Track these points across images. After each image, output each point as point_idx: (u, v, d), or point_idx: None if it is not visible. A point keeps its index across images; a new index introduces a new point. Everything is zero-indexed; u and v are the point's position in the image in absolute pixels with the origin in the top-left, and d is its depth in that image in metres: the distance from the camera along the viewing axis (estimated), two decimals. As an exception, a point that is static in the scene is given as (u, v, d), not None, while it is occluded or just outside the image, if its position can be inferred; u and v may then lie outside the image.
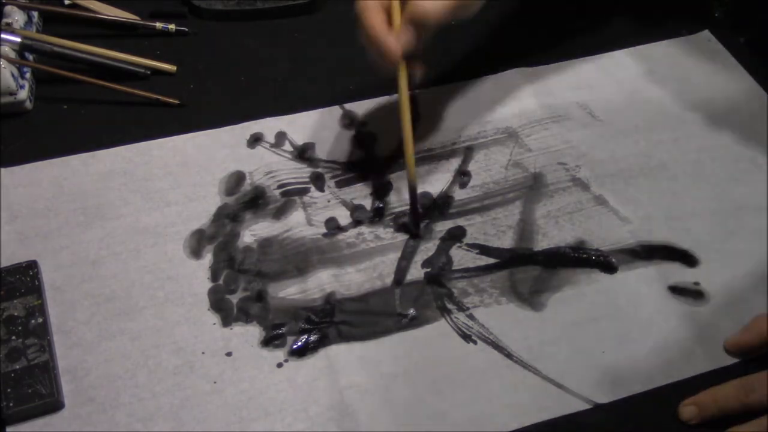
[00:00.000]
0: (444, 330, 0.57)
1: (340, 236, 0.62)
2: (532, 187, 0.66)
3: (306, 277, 0.59)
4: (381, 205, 0.64)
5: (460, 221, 0.63)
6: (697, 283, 0.60)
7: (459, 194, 0.65)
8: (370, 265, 0.60)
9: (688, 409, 0.52)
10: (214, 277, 0.59)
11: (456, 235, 0.62)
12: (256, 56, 0.76)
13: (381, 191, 0.65)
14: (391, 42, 0.56)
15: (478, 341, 0.56)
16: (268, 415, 0.52)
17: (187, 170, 0.66)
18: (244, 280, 0.59)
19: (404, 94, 0.59)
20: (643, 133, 0.70)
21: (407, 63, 0.58)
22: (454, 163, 0.68)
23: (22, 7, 0.73)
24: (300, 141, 0.68)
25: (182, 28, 0.78)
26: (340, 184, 0.66)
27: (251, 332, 0.56)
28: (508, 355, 0.55)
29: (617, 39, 0.79)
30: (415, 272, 0.60)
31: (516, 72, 0.75)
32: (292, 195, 0.65)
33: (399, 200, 0.65)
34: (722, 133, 0.70)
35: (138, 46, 0.75)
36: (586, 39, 0.78)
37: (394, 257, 0.61)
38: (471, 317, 0.57)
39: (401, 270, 0.60)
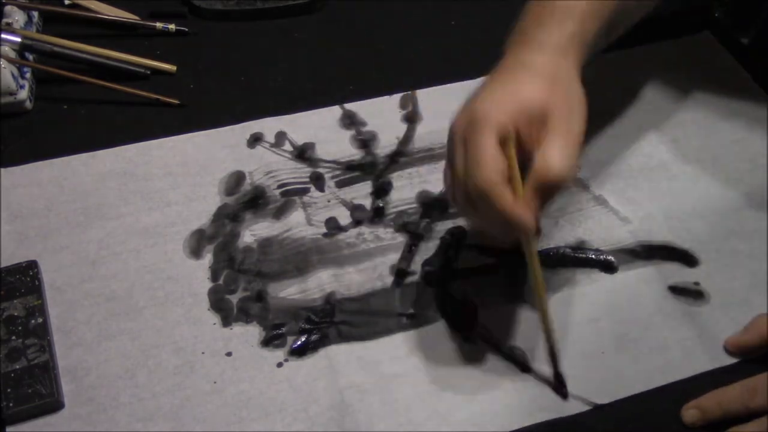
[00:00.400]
0: (444, 330, 0.57)
1: (340, 236, 0.62)
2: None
3: (306, 277, 0.59)
4: (381, 205, 0.64)
5: (460, 221, 0.63)
6: (697, 283, 0.60)
7: (459, 194, 0.65)
8: (370, 265, 0.60)
9: (690, 413, 0.52)
10: (214, 277, 0.59)
11: (456, 235, 0.62)
12: (256, 56, 0.76)
13: (381, 191, 0.65)
14: (527, 217, 0.47)
15: (478, 341, 0.56)
16: (268, 415, 0.52)
17: (187, 170, 0.66)
18: (244, 280, 0.59)
19: (537, 268, 0.51)
20: (643, 133, 0.70)
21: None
22: (454, 163, 0.67)
23: (22, 7, 0.73)
24: (300, 141, 0.68)
25: (182, 28, 0.78)
26: (340, 184, 0.66)
27: (251, 332, 0.56)
28: (508, 355, 0.55)
29: (618, 39, 0.78)
30: (415, 272, 0.60)
31: (516, 72, 0.75)
32: (292, 195, 0.65)
33: (399, 200, 0.65)
34: (722, 132, 0.70)
35: (138, 46, 0.75)
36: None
37: (394, 257, 0.61)
38: (470, 317, 0.57)
39: (401, 270, 0.60)
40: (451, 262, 0.61)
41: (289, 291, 0.59)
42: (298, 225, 0.63)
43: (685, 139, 0.70)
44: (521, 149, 0.48)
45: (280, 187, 0.65)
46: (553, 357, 0.53)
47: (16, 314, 0.55)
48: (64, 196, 0.63)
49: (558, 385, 0.54)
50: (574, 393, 0.53)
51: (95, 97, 0.70)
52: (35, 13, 0.76)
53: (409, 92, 0.73)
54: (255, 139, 0.68)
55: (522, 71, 0.51)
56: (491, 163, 0.47)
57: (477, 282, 0.59)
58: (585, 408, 0.53)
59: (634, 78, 0.75)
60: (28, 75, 0.70)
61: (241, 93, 0.73)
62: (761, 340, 0.55)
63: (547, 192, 0.48)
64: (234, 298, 0.58)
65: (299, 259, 0.60)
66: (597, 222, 0.64)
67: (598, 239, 0.62)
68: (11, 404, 0.50)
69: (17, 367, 0.52)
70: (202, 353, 0.55)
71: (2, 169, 0.64)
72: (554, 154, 0.47)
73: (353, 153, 0.68)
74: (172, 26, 0.77)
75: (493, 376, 0.54)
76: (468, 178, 0.48)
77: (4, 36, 0.68)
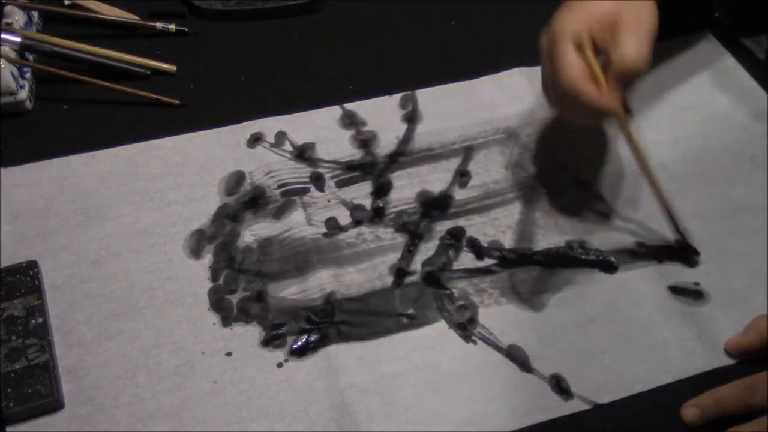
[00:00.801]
0: (444, 330, 0.57)
1: (340, 236, 0.62)
2: (532, 187, 0.66)
3: (306, 277, 0.59)
4: (381, 205, 0.64)
5: (460, 221, 0.63)
6: (697, 283, 0.60)
7: (459, 194, 0.65)
8: (370, 265, 0.60)
9: (690, 411, 0.52)
10: (214, 277, 0.59)
11: (456, 235, 0.62)
12: (256, 56, 0.76)
13: (381, 191, 0.65)
14: (610, 102, 0.55)
15: (478, 341, 0.56)
16: (268, 415, 0.52)
17: (187, 170, 0.66)
18: (244, 280, 0.59)
19: (636, 141, 0.60)
20: (643, 133, 0.70)
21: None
22: (454, 163, 0.68)
23: (22, 7, 0.73)
24: (300, 141, 0.68)
25: (182, 28, 0.78)
26: (340, 184, 0.66)
27: (251, 332, 0.56)
28: (508, 355, 0.55)
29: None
30: (415, 272, 0.60)
31: (516, 71, 0.75)
32: (292, 195, 0.65)
33: (399, 200, 0.65)
34: (722, 132, 0.70)
35: (138, 46, 0.75)
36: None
37: (394, 257, 0.61)
38: (471, 317, 0.57)
39: (401, 270, 0.60)
40: (451, 262, 0.61)
41: (289, 291, 0.59)
42: (298, 225, 0.63)
43: (685, 139, 0.70)
44: (600, 53, 0.57)
45: (280, 187, 0.65)
46: (673, 218, 0.61)
47: (16, 314, 0.55)
48: (64, 196, 0.63)
49: (685, 246, 0.61)
50: (574, 393, 0.53)
51: (95, 97, 0.70)
52: (35, 13, 0.76)
53: (409, 92, 0.73)
54: (255, 139, 0.68)
55: None
56: (571, 65, 0.55)
57: (477, 282, 0.60)
58: (585, 408, 0.53)
59: (634, 78, 0.75)
60: (28, 75, 0.70)
61: (241, 93, 0.73)
62: (761, 341, 0.55)
63: (626, 79, 0.56)
64: (234, 298, 0.58)
65: (299, 259, 0.60)
66: (597, 222, 0.64)
67: (598, 239, 0.62)
68: (11, 404, 0.50)
69: (17, 367, 0.52)
70: (202, 353, 0.55)
71: (2, 169, 0.64)
72: (628, 45, 0.55)
73: (353, 153, 0.68)
74: (172, 26, 0.77)
75: (493, 376, 0.54)
76: (555, 83, 0.57)
77: (4, 36, 0.68)
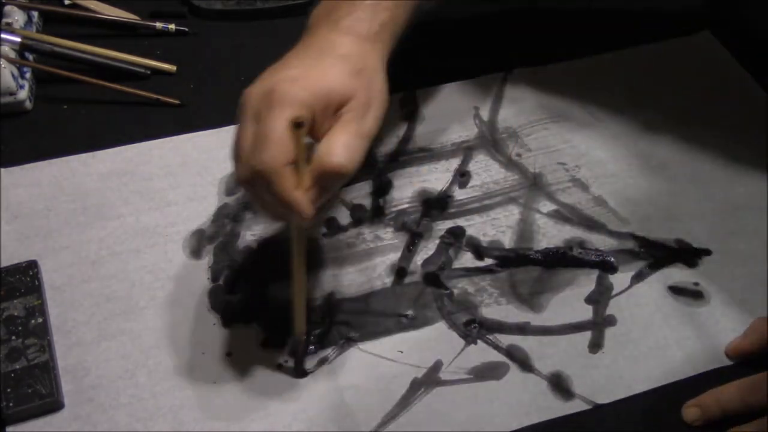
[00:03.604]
0: (444, 330, 0.57)
1: (340, 236, 0.62)
2: (532, 187, 0.66)
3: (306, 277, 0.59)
4: (381, 205, 0.64)
5: (460, 221, 0.63)
6: (697, 284, 0.60)
7: (459, 194, 0.65)
8: (370, 265, 0.60)
9: (690, 411, 0.52)
10: (214, 277, 0.59)
11: (456, 235, 0.62)
12: (256, 56, 0.76)
13: (381, 191, 0.65)
14: (304, 203, 0.46)
15: (478, 341, 0.56)
16: (269, 415, 0.52)
17: (187, 170, 0.66)
18: (244, 280, 0.59)
19: (300, 258, 0.52)
20: (643, 133, 0.70)
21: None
22: (454, 163, 0.68)
23: (22, 7, 0.73)
24: (300, 141, 0.68)
25: (182, 28, 0.78)
26: (340, 184, 0.66)
27: (251, 332, 0.56)
28: (508, 355, 0.55)
29: (617, 39, 0.78)
30: (415, 272, 0.60)
31: (516, 72, 0.75)
32: (292, 195, 0.65)
33: (399, 199, 0.65)
34: (722, 133, 0.70)
35: (138, 46, 0.75)
36: (586, 39, 0.78)
37: (394, 257, 0.61)
38: (471, 317, 0.57)
39: (401, 270, 0.60)
40: (451, 261, 0.61)
41: (290, 291, 0.58)
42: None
43: (685, 139, 0.70)
44: (309, 132, 0.48)
45: (280, 187, 0.65)
46: (297, 352, 0.54)
47: (16, 314, 0.55)
48: (64, 196, 0.63)
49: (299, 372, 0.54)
50: (574, 393, 0.53)
51: (95, 97, 0.70)
52: (35, 13, 0.76)
53: (409, 92, 0.73)
54: (255, 139, 0.68)
55: (330, 54, 0.50)
56: (279, 145, 0.45)
57: (477, 281, 0.60)
58: (585, 408, 0.53)
59: (634, 78, 0.75)
60: (28, 75, 0.70)
61: (241, 93, 0.73)
62: (762, 343, 0.55)
63: (326, 182, 0.47)
64: (234, 299, 0.58)
65: (299, 259, 0.60)
66: (597, 222, 0.64)
67: (598, 239, 0.62)
68: (11, 404, 0.50)
69: (17, 367, 0.52)
70: (202, 353, 0.55)
71: (2, 169, 0.64)
72: (338, 146, 0.47)
73: (353, 153, 0.68)
74: (172, 26, 0.77)
75: (493, 376, 0.54)
76: (253, 157, 0.46)
77: (4, 36, 0.68)
